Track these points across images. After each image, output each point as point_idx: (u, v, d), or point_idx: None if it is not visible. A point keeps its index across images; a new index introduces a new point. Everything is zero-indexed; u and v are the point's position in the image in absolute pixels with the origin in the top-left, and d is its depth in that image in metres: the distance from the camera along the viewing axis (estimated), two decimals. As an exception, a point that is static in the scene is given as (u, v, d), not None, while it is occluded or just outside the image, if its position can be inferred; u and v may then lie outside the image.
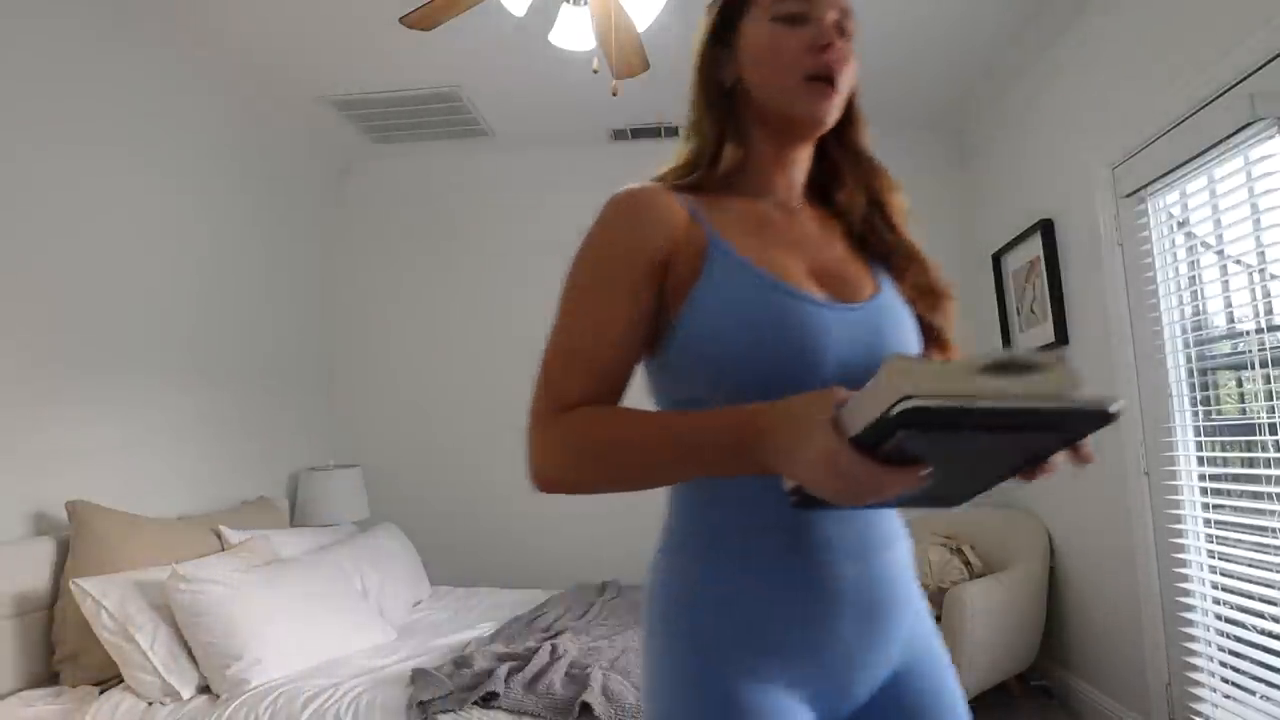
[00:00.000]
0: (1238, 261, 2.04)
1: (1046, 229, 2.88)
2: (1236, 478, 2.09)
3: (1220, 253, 2.11)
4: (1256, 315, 1.97)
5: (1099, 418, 0.54)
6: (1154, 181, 2.26)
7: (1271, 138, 1.80)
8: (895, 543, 0.81)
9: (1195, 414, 2.21)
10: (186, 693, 1.86)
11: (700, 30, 0.90)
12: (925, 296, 0.90)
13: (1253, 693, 1.96)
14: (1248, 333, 2.00)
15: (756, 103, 0.86)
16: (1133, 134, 2.30)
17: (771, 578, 0.75)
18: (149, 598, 1.96)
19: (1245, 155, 1.92)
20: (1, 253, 2.11)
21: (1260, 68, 1.77)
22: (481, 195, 3.99)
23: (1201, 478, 2.19)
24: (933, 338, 0.91)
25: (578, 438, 0.72)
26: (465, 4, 1.99)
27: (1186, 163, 2.09)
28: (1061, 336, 2.81)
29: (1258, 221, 1.91)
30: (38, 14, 2.26)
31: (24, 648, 1.97)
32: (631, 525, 3.78)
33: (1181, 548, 2.25)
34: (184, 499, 2.76)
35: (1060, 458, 0.63)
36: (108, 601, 1.89)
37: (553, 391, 0.75)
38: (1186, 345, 2.23)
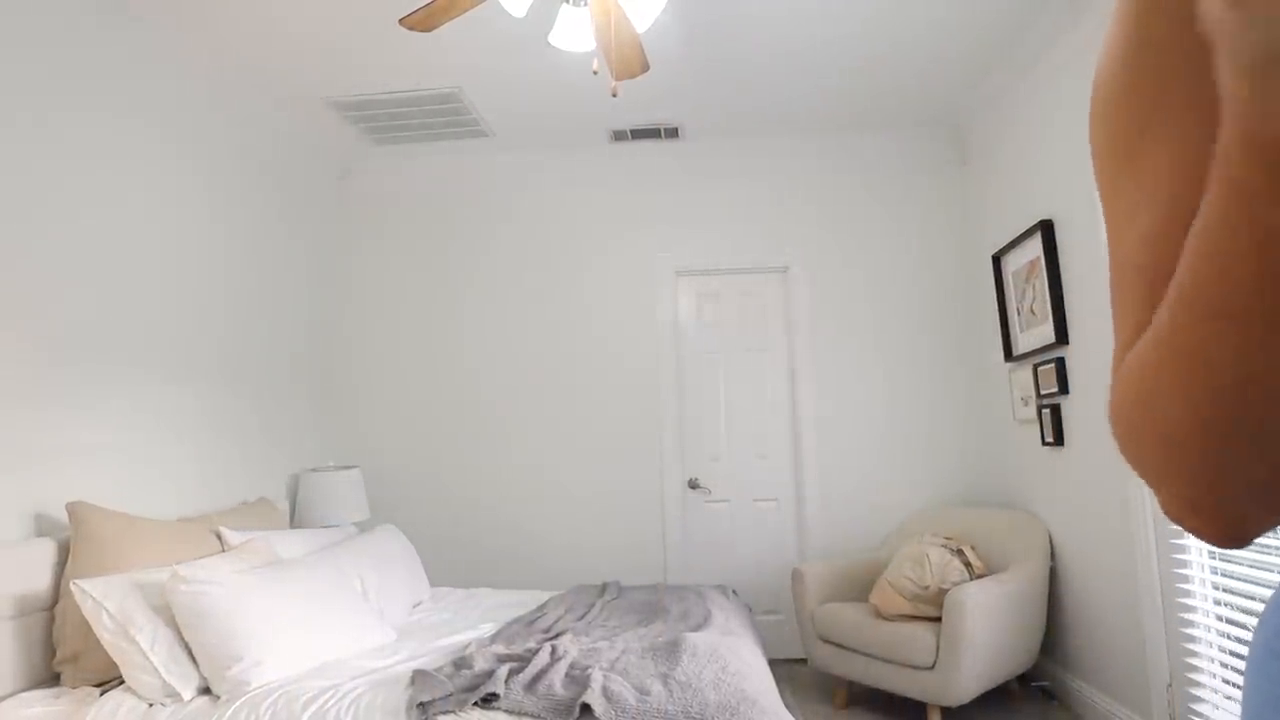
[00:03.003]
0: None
1: (1046, 229, 2.88)
2: (1237, 478, 2.09)
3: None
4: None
5: None
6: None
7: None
8: None
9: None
10: (187, 694, 1.86)
11: None
12: None
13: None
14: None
15: None
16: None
17: None
18: (149, 599, 1.97)
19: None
20: (2, 253, 2.12)
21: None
22: (481, 196, 4.00)
23: (1202, 478, 2.19)
24: None
25: None
26: (465, 5, 1.99)
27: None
28: (1061, 337, 2.81)
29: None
30: (38, 13, 2.26)
31: (25, 649, 1.97)
32: (632, 526, 3.80)
33: (1182, 548, 2.25)
34: (184, 500, 2.77)
35: None
36: (108, 602, 1.89)
37: None
38: (1187, 345, 2.22)
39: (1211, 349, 0.32)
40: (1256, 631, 0.44)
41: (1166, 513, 0.38)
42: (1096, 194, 2.56)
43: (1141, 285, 0.38)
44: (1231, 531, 0.36)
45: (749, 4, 2.65)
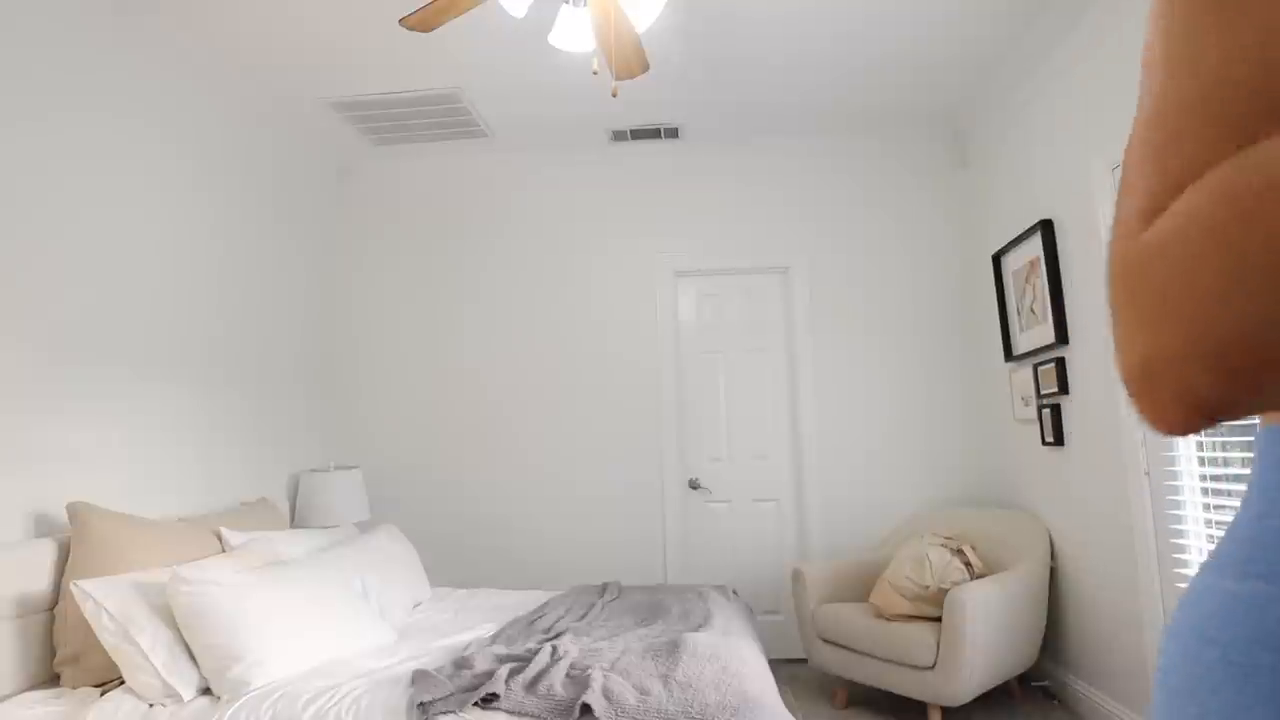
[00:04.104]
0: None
1: (1046, 229, 2.88)
2: (1237, 478, 2.09)
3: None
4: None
5: None
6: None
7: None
8: None
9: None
10: (187, 694, 1.86)
11: None
12: None
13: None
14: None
15: None
16: (1133, 134, 2.30)
17: None
18: (150, 599, 1.97)
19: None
20: (2, 253, 2.11)
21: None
22: (481, 196, 4.00)
23: (1202, 478, 2.19)
24: None
25: None
26: (465, 5, 1.99)
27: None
28: (1061, 337, 2.81)
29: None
30: (37, 14, 2.26)
31: (25, 649, 1.97)
32: (632, 526, 3.80)
33: (1182, 548, 2.25)
34: (184, 500, 2.77)
35: None
36: (109, 603, 1.89)
37: None
38: (1187, 345, 2.22)
39: None
40: (1177, 617, 0.38)
41: (1126, 373, 0.34)
42: (1095, 193, 2.56)
43: (1238, 111, 0.31)
44: (1188, 401, 0.33)
45: (749, 4, 2.65)
